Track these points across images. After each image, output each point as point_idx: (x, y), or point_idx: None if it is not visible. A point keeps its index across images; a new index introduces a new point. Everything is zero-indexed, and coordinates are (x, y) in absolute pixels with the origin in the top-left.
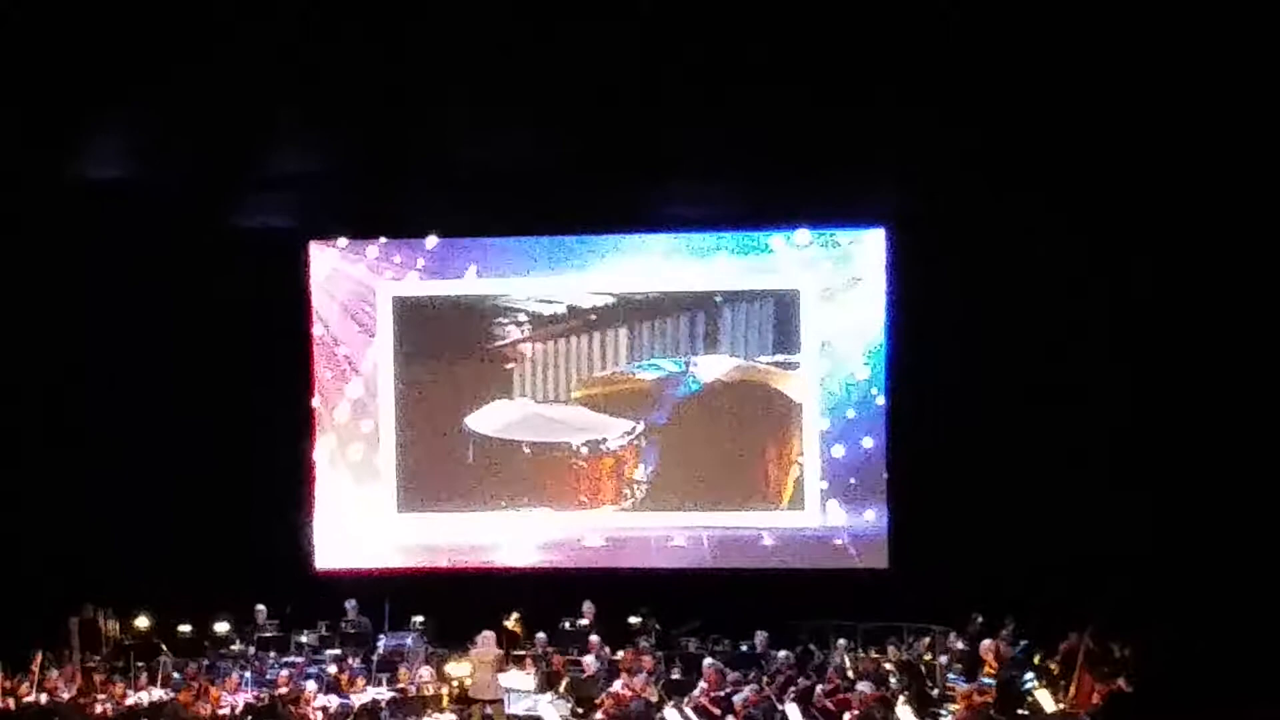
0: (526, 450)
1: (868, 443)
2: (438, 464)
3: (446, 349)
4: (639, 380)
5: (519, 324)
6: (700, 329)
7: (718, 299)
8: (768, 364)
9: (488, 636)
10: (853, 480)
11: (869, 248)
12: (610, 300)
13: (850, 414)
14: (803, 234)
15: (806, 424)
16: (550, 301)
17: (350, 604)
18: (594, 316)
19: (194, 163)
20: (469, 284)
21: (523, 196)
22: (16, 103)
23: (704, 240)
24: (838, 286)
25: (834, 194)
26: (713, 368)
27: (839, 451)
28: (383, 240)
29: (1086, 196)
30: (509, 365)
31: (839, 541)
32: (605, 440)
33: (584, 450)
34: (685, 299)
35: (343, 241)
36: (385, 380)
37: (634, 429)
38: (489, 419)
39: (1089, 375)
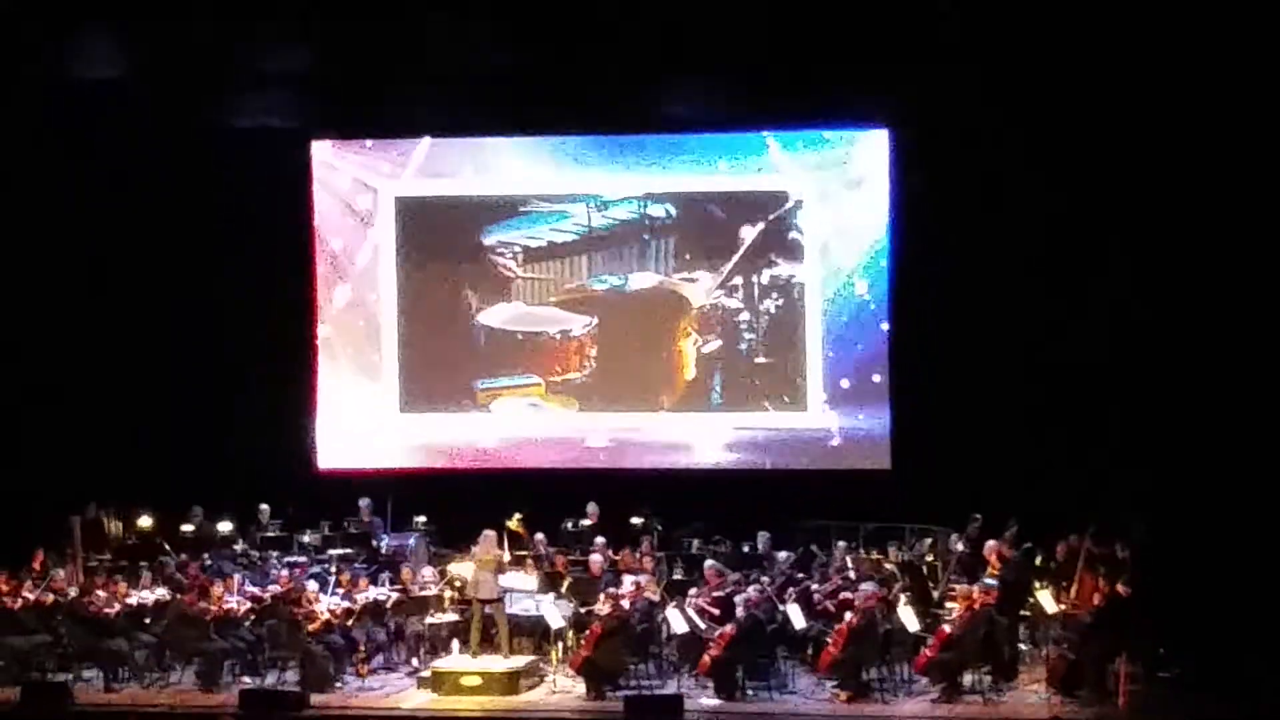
0: (519, 336)
1: (863, 346)
2: (441, 359)
3: (446, 251)
4: (593, 290)
5: (515, 253)
6: (635, 250)
7: (648, 232)
8: (680, 278)
9: (489, 536)
10: (852, 382)
11: (870, 149)
12: (573, 237)
13: (845, 318)
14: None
15: (809, 327)
16: (535, 238)
17: (364, 502)
18: (560, 244)
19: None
20: (467, 183)
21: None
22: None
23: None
24: (836, 189)
25: (835, 94)
26: (641, 281)
27: (836, 354)
28: (377, 139)
29: (1096, 101)
30: (507, 277)
31: (840, 443)
32: (571, 330)
33: (557, 336)
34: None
35: (342, 140)
36: (387, 279)
37: (590, 322)
38: (495, 315)
39: (1094, 277)
